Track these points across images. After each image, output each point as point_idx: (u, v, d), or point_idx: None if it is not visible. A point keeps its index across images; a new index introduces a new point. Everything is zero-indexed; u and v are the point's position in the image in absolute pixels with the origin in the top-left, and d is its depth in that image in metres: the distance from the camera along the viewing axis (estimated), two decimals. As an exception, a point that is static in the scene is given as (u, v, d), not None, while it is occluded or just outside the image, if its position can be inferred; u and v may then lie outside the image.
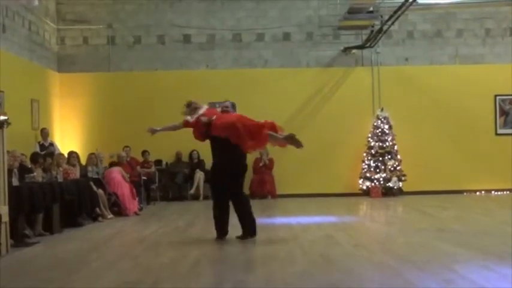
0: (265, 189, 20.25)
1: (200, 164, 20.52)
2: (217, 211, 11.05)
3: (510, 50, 21.22)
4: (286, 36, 21.26)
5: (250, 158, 20.37)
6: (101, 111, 20.72)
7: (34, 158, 14.00)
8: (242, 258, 9.36)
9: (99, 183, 15.59)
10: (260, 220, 14.37)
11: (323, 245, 10.36)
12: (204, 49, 21.19)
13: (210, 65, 21.16)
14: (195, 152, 20.56)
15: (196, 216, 15.64)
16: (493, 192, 20.52)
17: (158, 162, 20.57)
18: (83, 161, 16.69)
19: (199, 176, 20.27)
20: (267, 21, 21.21)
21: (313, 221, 13.92)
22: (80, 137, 20.61)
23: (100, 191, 15.07)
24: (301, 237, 11.31)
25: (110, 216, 15.05)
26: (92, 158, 16.48)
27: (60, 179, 13.89)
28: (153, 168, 19.86)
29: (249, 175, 20.21)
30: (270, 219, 14.61)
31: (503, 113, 21.09)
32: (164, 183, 20.56)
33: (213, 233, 11.63)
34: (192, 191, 20.30)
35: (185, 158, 20.73)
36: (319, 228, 12.67)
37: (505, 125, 21.05)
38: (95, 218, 14.44)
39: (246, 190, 20.11)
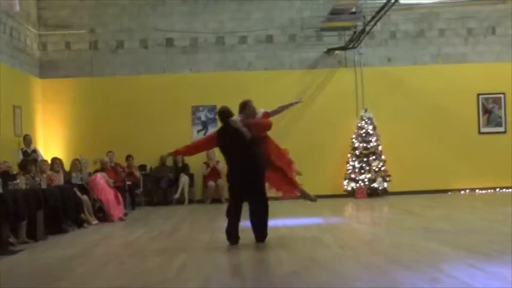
0: (250, 192, 20.16)
1: (185, 168, 20.48)
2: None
3: (492, 49, 21.31)
4: (270, 39, 21.25)
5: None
6: (84, 116, 20.62)
7: (23, 164, 13.88)
8: (229, 261, 9.33)
9: (84, 189, 15.49)
10: (246, 223, 14.37)
11: (310, 246, 10.35)
12: (187, 53, 21.15)
13: (194, 69, 21.12)
14: (180, 156, 20.48)
15: (181, 221, 15.59)
16: (477, 190, 20.59)
17: (142, 167, 20.50)
18: (67, 167, 16.58)
19: (184, 180, 20.21)
20: (250, 24, 21.19)
21: (299, 223, 13.90)
22: (63, 143, 20.51)
23: (84, 197, 14.98)
24: (288, 239, 11.30)
25: (95, 222, 14.97)
26: (76, 163, 16.38)
27: (43, 185, 13.78)
28: (137, 173, 19.77)
29: (234, 178, 20.25)
30: (256, 222, 14.56)
31: (486, 111, 21.17)
32: (149, 188, 20.48)
33: (199, 236, 11.62)
34: (177, 196, 20.24)
35: (169, 163, 20.66)
36: (306, 229, 12.66)
37: (488, 123, 21.13)
38: (79, 224, 14.35)
39: (232, 193, 20.18)
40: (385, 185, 20.07)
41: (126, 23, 21.08)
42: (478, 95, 21.10)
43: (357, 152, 20.16)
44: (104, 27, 21.01)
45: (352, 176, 20.08)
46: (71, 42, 21.02)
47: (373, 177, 19.96)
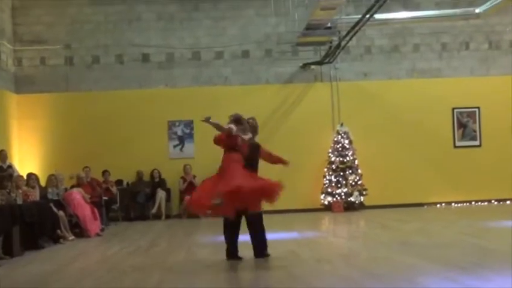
0: (227, 206, 20.14)
1: (161, 183, 20.43)
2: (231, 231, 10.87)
3: (466, 63, 21.51)
4: (245, 54, 21.30)
5: (211, 175, 20.39)
6: (59, 131, 20.53)
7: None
8: (206, 276, 9.31)
9: (60, 204, 15.42)
10: (223, 238, 14.36)
11: (287, 261, 10.36)
12: (163, 68, 21.13)
13: (170, 84, 21.10)
14: (156, 171, 20.47)
15: (158, 236, 15.54)
16: (453, 204, 20.71)
17: (119, 182, 20.42)
18: (43, 183, 16.49)
19: (161, 195, 20.16)
20: (226, 39, 21.23)
21: (276, 237, 13.86)
22: (38, 158, 20.39)
23: (61, 213, 14.91)
24: (265, 254, 11.28)
25: (71, 237, 14.89)
26: (52, 179, 16.30)
27: (19, 201, 13.72)
28: (114, 189, 19.70)
29: (211, 193, 20.23)
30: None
31: (461, 125, 21.33)
32: (126, 203, 20.39)
33: (176, 252, 11.59)
34: (153, 211, 20.16)
35: (146, 177, 20.60)
36: (282, 244, 12.66)
37: (463, 137, 21.29)
38: (56, 240, 14.26)
39: (208, 208, 20.15)
40: (362, 198, 20.14)
41: (101, 38, 21.03)
42: (453, 109, 21.26)
43: (334, 166, 20.22)
44: (79, 43, 20.96)
45: (329, 190, 20.13)
46: (46, 57, 20.93)
47: (350, 191, 20.03)
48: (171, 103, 20.72)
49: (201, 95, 20.76)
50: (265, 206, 20.28)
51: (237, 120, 11.55)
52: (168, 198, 20.49)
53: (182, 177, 20.39)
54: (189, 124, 20.83)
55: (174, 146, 20.86)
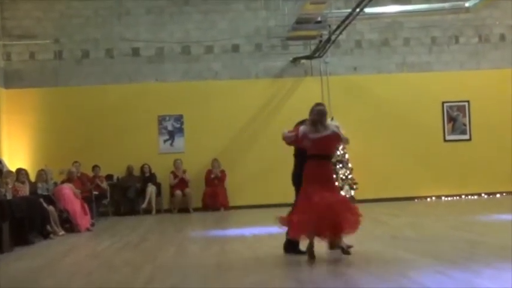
0: (217, 201, 20.16)
1: (152, 178, 20.39)
2: None
3: (456, 57, 21.53)
4: (235, 48, 21.26)
5: (202, 170, 20.44)
6: (49, 126, 20.45)
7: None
8: (197, 271, 9.29)
9: (50, 199, 15.35)
10: (214, 232, 14.37)
11: (277, 255, 10.34)
12: (153, 62, 21.07)
13: (160, 78, 21.05)
14: (147, 166, 20.42)
15: (149, 231, 15.52)
16: (443, 198, 20.74)
17: (109, 177, 20.37)
18: (32, 178, 16.42)
19: (151, 189, 20.12)
20: (216, 33, 21.18)
21: (267, 232, 13.87)
22: (28, 153, 20.32)
23: (51, 208, 14.85)
24: (256, 248, 11.30)
25: (61, 233, 14.83)
26: (42, 174, 16.23)
27: (9, 196, 13.66)
28: (104, 184, 19.65)
29: (201, 187, 20.27)
30: (224, 231, 14.59)
31: (451, 119, 21.36)
32: (116, 198, 20.34)
33: (166, 247, 11.57)
34: (144, 205, 20.12)
35: (136, 172, 20.55)
36: (274, 238, 12.63)
37: (453, 131, 21.32)
38: (46, 235, 14.20)
39: (198, 203, 20.19)
40: (352, 193, 20.13)
41: (91, 33, 20.95)
42: (443, 103, 21.29)
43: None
44: (68, 37, 20.87)
45: (319, 184, 20.09)
46: (35, 52, 20.84)
47: (340, 185, 20.00)
48: (161, 98, 20.68)
49: (191, 90, 20.74)
50: (257, 200, 20.39)
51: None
52: (159, 193, 20.46)
53: (172, 172, 20.37)
54: (179, 119, 20.80)
55: (164, 141, 20.83)
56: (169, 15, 21.16)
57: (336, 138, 9.86)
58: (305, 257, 9.50)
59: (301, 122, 10.41)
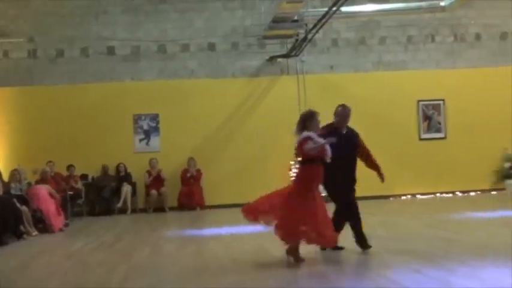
0: (193, 200, 20.09)
1: (127, 177, 20.27)
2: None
3: (432, 56, 21.61)
4: (212, 47, 21.19)
5: (178, 169, 20.35)
6: (23, 126, 20.26)
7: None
8: (173, 270, 9.22)
9: (23, 199, 15.19)
10: (190, 232, 14.32)
11: (254, 254, 10.31)
12: (128, 61, 20.94)
13: (135, 77, 20.93)
14: (122, 165, 20.30)
15: (124, 231, 15.43)
16: (418, 196, 20.81)
17: (84, 176, 20.23)
18: (5, 178, 16.24)
19: (127, 189, 20.01)
20: (192, 32, 21.10)
21: (243, 231, 13.83)
22: (1, 153, 20.11)
23: (24, 208, 14.69)
24: (233, 248, 11.25)
25: (35, 233, 14.67)
26: (15, 174, 16.06)
27: (-18, 196, 13.50)
28: (79, 184, 19.51)
29: (176, 186, 20.18)
30: (200, 231, 14.54)
31: (426, 118, 21.43)
32: (91, 198, 20.19)
33: (142, 247, 11.49)
34: (119, 205, 20.00)
35: (112, 172, 20.43)
36: (250, 238, 12.62)
37: (428, 129, 21.39)
38: (19, 235, 14.04)
39: (174, 202, 20.10)
40: (328, 192, 20.12)
41: (66, 31, 20.76)
42: (419, 101, 21.36)
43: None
44: (43, 36, 20.68)
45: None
46: (9, 50, 20.64)
47: (316, 184, 20.00)
48: (137, 97, 20.57)
49: (167, 88, 20.65)
50: (233, 199, 20.32)
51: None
52: (134, 193, 20.36)
53: (148, 171, 20.27)
54: (155, 118, 20.71)
55: (140, 140, 20.72)
56: (145, 13, 21.05)
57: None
58: (280, 257, 9.47)
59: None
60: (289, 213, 9.17)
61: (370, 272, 8.21)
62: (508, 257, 8.61)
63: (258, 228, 14.16)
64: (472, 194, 20.82)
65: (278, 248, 10.92)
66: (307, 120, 9.71)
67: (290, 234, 9.21)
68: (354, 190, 10.38)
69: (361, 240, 9.99)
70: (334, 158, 9.48)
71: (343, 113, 10.46)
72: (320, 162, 9.36)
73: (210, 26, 21.19)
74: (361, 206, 17.03)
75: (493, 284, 7.18)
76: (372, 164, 10.70)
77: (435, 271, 7.92)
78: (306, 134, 9.44)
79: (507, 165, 21.02)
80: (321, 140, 9.26)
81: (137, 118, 20.75)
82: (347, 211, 10.11)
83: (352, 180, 10.32)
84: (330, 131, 10.08)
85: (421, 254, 9.30)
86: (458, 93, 21.09)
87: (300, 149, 9.48)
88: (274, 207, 9.39)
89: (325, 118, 21.06)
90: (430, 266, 8.30)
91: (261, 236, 12.92)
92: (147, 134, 20.73)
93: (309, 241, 9.24)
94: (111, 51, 20.88)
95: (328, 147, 9.33)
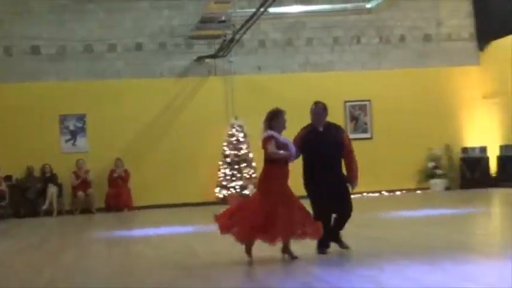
0: (121, 201, 19.91)
1: (53, 178, 19.96)
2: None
3: (358, 57, 21.89)
4: (139, 47, 21.03)
5: (105, 170, 20.13)
6: None
7: None
8: (100, 272, 9.13)
9: None
10: (118, 233, 14.19)
11: (182, 255, 10.28)
12: (54, 60, 20.62)
13: (61, 77, 20.61)
14: (47, 166, 19.98)
15: (50, 232, 15.23)
16: (346, 195, 20.99)
17: (8, 177, 19.83)
18: None
19: (53, 190, 19.70)
20: (119, 32, 20.89)
21: (171, 232, 13.81)
22: None
23: None
24: (160, 249, 11.19)
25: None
26: None
27: None
28: (3, 185, 19.12)
29: (104, 188, 19.97)
30: (128, 232, 14.43)
31: (353, 118, 21.70)
32: (15, 200, 19.79)
33: (69, 248, 11.34)
34: (45, 207, 19.68)
35: (37, 173, 20.09)
36: (178, 238, 12.59)
37: (355, 130, 21.65)
38: None
39: (101, 203, 19.88)
40: (256, 192, 20.22)
41: (-12, 30, 20.35)
42: (345, 102, 21.61)
43: (228, 160, 20.24)
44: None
45: (224, 183, 20.14)
46: None
47: (245, 184, 20.09)
48: (63, 97, 20.28)
49: (93, 89, 20.41)
50: (161, 200, 20.21)
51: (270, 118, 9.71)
52: (60, 194, 20.06)
53: (74, 172, 20.00)
54: (82, 118, 20.46)
55: (66, 141, 20.44)
56: (71, 13, 20.73)
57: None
58: (207, 257, 9.46)
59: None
60: (246, 213, 9.10)
61: (300, 270, 8.26)
62: (430, 255, 8.79)
63: (185, 229, 14.22)
64: (398, 193, 21.17)
65: (206, 248, 10.95)
66: (273, 119, 9.60)
67: (241, 234, 9.10)
68: (338, 189, 9.74)
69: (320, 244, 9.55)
70: (313, 157, 9.67)
71: (314, 110, 10.26)
72: (283, 163, 9.35)
73: (137, 25, 21.03)
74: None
75: (418, 281, 7.31)
76: (348, 166, 9.87)
77: (365, 270, 8.02)
78: (269, 133, 9.39)
79: (431, 164, 21.45)
80: (281, 152, 9.27)
81: (63, 118, 20.46)
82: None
83: (336, 178, 9.75)
84: (308, 130, 10.07)
85: (350, 253, 9.40)
86: (384, 94, 21.42)
87: (264, 148, 9.39)
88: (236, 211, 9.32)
89: (253, 118, 21.17)
90: (360, 264, 8.41)
91: (189, 236, 12.93)
92: (74, 135, 20.46)
93: (268, 240, 9.01)
94: (35, 50, 20.52)
95: (292, 148, 9.36)
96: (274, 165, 9.30)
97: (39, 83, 20.38)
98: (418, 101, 21.46)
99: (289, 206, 9.20)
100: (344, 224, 9.87)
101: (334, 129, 10.08)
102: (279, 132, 9.51)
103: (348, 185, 9.82)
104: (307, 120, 21.94)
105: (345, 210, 9.81)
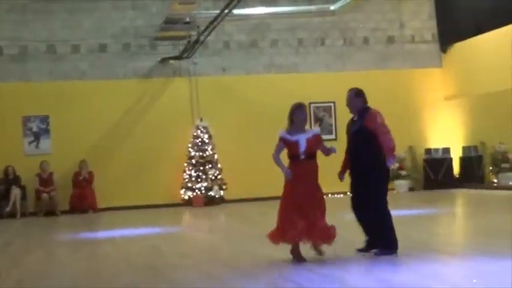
0: (86, 203, 19.78)
1: (16, 180, 19.75)
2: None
3: (322, 59, 21.99)
4: (103, 48, 20.91)
5: (69, 171, 19.99)
6: None
7: None
8: (66, 274, 9.08)
9: None
10: (83, 235, 14.13)
11: (148, 256, 10.29)
12: (16, 61, 20.41)
13: (23, 78, 20.41)
14: (10, 168, 19.76)
15: (14, 235, 15.09)
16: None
17: (-30, 180, 19.64)
18: None
19: (16, 192, 19.49)
20: (82, 33, 20.75)
21: (137, 233, 13.78)
22: None
23: None
24: (126, 250, 11.18)
25: None
26: None
27: None
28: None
29: (68, 189, 19.83)
30: (93, 234, 14.36)
31: (318, 120, 21.79)
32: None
33: (34, 250, 11.26)
34: (8, 209, 19.45)
35: (0, 175, 19.89)
36: (144, 239, 12.57)
37: (320, 131, 21.66)
38: None
39: (65, 205, 19.74)
40: (222, 193, 20.25)
41: None
42: (310, 103, 21.66)
43: (193, 161, 20.22)
44: None
45: (189, 184, 20.11)
46: None
47: (210, 185, 20.09)
48: (26, 98, 20.07)
49: (57, 90, 20.25)
50: (126, 201, 20.13)
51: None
52: (24, 196, 19.86)
53: (38, 174, 19.83)
54: (45, 119, 20.29)
55: (30, 142, 20.25)
56: (33, 13, 20.53)
57: None
58: (184, 258, 9.47)
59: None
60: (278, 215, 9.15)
61: (264, 271, 8.30)
62: (396, 255, 8.88)
63: (151, 230, 14.20)
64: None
65: (172, 248, 10.96)
66: (293, 113, 9.53)
67: (275, 236, 9.09)
68: (362, 183, 9.35)
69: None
70: (347, 149, 9.60)
71: (347, 95, 9.86)
72: (298, 158, 9.28)
73: (101, 26, 20.90)
74: (256, 206, 17.28)
75: (385, 282, 7.39)
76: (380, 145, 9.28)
77: (328, 269, 8.09)
78: (280, 133, 9.52)
79: (395, 166, 21.62)
80: (279, 163, 9.32)
81: (26, 120, 20.28)
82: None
83: (361, 169, 9.40)
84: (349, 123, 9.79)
85: (313, 253, 9.44)
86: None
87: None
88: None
89: (218, 120, 21.18)
90: (324, 264, 8.47)
91: (155, 237, 12.91)
92: (37, 136, 20.28)
93: (300, 239, 8.95)
94: (-4, 51, 20.32)
95: (301, 146, 9.28)
96: (291, 162, 9.35)
97: (1, 84, 20.16)
98: (381, 103, 21.42)
99: (304, 205, 9.09)
100: (376, 228, 9.21)
101: (364, 116, 9.53)
102: (300, 126, 9.47)
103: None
104: (273, 120, 22.04)
105: (362, 212, 9.47)
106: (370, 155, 9.27)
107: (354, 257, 8.90)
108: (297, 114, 9.42)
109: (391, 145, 9.17)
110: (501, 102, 19.80)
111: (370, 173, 9.24)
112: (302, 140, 9.25)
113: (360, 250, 9.21)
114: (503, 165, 19.87)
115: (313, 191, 9.23)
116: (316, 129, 9.74)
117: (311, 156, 9.35)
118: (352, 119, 9.68)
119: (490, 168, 20.43)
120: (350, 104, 9.71)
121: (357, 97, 9.74)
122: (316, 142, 9.40)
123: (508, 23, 19.33)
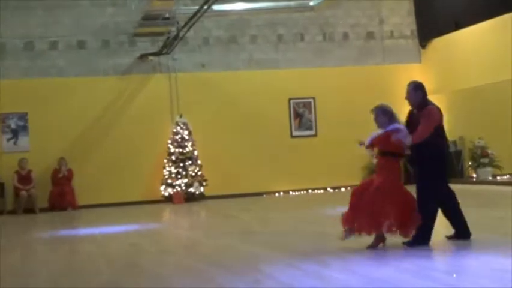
0: (65, 200, 19.69)
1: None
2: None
3: (301, 55, 22.00)
4: (81, 44, 20.79)
5: (48, 169, 19.88)
6: None
7: None
8: (46, 272, 9.00)
9: None
10: (62, 232, 14.05)
11: (129, 253, 10.25)
12: (-6, 58, 20.28)
13: (1, 75, 20.19)
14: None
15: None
16: (290, 192, 21.15)
17: None
18: None
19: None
20: (60, 29, 20.61)
21: (117, 230, 13.72)
22: None
23: None
24: (106, 247, 11.12)
25: None
26: None
27: None
28: None
29: (47, 187, 19.73)
30: (73, 231, 14.30)
31: (297, 115, 21.82)
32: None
33: (13, 250, 11.18)
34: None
35: (-21, 173, 19.79)
36: (124, 236, 12.52)
37: (299, 127, 21.78)
38: None
39: (45, 203, 19.62)
40: (202, 189, 20.22)
41: None
42: (290, 99, 21.71)
43: (173, 158, 20.17)
44: None
45: (169, 181, 20.06)
46: None
47: (190, 182, 20.05)
48: (4, 95, 19.90)
49: (35, 87, 20.12)
50: (106, 199, 20.07)
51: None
52: (2, 194, 19.76)
53: (17, 172, 19.71)
54: (24, 117, 20.16)
55: (8, 140, 20.12)
56: (10, 9, 20.35)
57: None
58: (164, 254, 9.42)
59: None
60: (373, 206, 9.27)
61: (245, 266, 8.28)
62: (376, 250, 8.90)
63: (131, 227, 14.15)
64: (343, 189, 21.31)
65: (152, 245, 10.92)
66: (394, 114, 9.86)
67: (371, 226, 9.08)
68: (424, 174, 9.32)
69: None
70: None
71: (407, 89, 9.97)
72: (394, 156, 9.66)
73: (79, 23, 20.77)
74: (236, 202, 17.29)
75: (365, 276, 7.40)
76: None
77: (309, 265, 8.08)
78: (396, 126, 9.63)
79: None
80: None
81: (4, 117, 20.14)
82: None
83: (417, 163, 9.55)
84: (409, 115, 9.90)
85: (296, 249, 9.45)
86: (327, 91, 21.59)
87: (387, 140, 9.62)
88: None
89: (198, 116, 21.16)
90: (305, 260, 8.45)
91: (135, 234, 12.87)
92: (15, 134, 20.15)
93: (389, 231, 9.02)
94: (-26, 48, 20.15)
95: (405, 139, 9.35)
96: (391, 158, 9.84)
97: (-22, 81, 20.02)
98: (361, 99, 21.59)
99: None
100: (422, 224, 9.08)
101: (423, 112, 9.60)
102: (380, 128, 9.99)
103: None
104: (253, 116, 22.14)
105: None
106: (422, 153, 9.34)
107: (334, 252, 8.89)
108: (374, 116, 10.15)
109: (416, 137, 9.33)
110: (480, 97, 19.93)
111: (421, 169, 9.44)
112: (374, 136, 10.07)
113: (449, 238, 9.29)
114: (482, 160, 19.93)
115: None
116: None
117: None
118: (412, 110, 9.84)
119: (469, 163, 20.51)
120: (410, 97, 9.81)
121: (416, 90, 9.77)
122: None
123: (486, 19, 19.43)
